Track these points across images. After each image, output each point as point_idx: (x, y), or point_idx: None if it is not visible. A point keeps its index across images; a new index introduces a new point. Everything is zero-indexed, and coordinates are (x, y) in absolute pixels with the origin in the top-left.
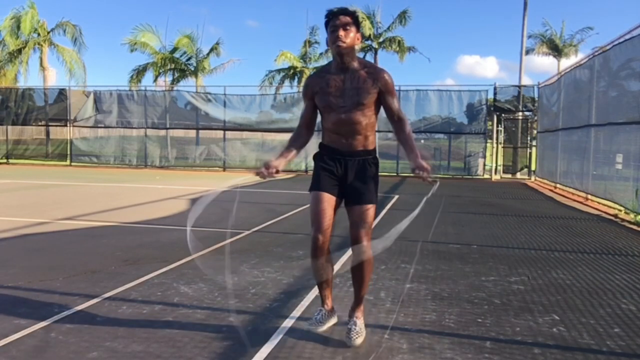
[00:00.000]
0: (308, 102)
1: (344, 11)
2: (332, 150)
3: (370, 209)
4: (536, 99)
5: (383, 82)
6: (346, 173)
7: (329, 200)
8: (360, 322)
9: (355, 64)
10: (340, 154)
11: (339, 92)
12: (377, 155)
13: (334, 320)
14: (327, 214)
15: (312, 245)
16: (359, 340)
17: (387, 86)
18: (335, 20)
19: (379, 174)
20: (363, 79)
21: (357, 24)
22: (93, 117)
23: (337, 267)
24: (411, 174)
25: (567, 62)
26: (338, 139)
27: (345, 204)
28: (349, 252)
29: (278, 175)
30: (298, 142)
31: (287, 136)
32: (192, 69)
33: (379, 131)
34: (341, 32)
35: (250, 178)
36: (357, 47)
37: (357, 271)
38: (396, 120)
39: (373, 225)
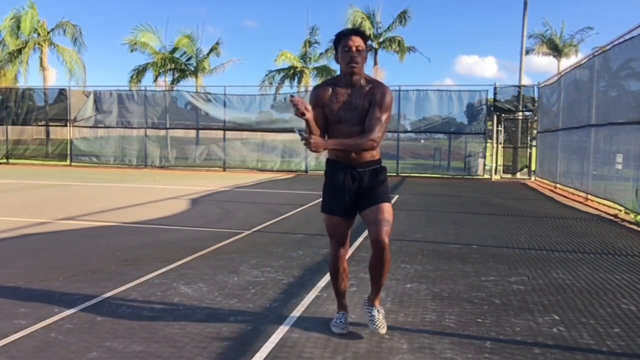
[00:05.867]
0: (318, 110)
1: (356, 32)
2: (341, 164)
3: (388, 207)
4: (536, 99)
5: (377, 94)
6: (359, 184)
7: (343, 222)
8: (381, 311)
9: (363, 81)
10: (351, 166)
11: (347, 107)
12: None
13: (347, 317)
14: (344, 233)
15: (332, 257)
16: (384, 330)
17: (378, 98)
18: (347, 40)
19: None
20: (368, 95)
21: (366, 43)
22: (93, 117)
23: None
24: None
25: (567, 62)
26: (347, 152)
27: (361, 209)
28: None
29: (306, 114)
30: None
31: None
32: (192, 69)
33: None
34: (354, 53)
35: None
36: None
37: (379, 267)
38: (365, 128)
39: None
